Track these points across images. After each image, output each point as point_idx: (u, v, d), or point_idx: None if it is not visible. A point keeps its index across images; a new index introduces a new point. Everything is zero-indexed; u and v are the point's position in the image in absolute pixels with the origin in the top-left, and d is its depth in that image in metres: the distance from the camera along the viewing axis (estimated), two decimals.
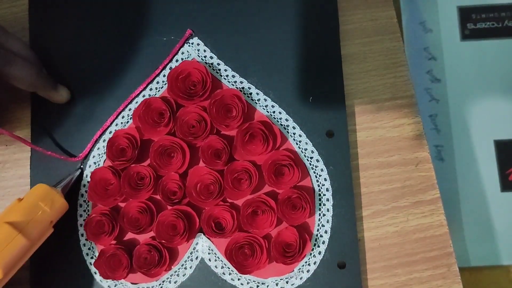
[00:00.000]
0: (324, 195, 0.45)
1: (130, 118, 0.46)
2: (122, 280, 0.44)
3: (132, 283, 0.44)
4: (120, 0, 0.49)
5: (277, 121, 0.46)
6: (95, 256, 0.45)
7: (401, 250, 0.44)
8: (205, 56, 0.47)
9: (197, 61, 0.46)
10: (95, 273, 0.44)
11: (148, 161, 0.45)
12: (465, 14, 0.56)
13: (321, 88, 0.46)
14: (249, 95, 0.46)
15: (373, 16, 0.49)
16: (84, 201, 0.45)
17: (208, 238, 0.44)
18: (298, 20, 0.47)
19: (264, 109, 0.46)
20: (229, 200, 0.45)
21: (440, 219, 0.45)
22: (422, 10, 0.56)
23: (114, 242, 0.44)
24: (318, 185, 0.45)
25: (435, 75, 0.54)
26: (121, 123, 0.47)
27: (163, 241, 0.43)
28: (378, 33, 0.48)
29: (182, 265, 0.44)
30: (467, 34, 0.55)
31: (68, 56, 0.48)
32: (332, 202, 0.44)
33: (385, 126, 0.47)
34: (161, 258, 0.43)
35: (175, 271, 0.44)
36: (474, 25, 0.55)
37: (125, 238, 0.45)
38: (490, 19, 0.55)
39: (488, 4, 0.56)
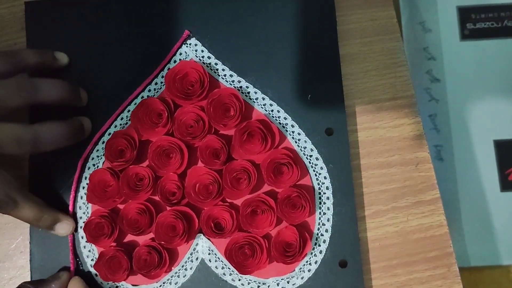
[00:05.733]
0: (324, 193, 0.44)
1: (129, 120, 0.46)
2: (123, 282, 0.44)
3: (132, 285, 0.44)
4: (116, 2, 0.48)
5: (276, 119, 0.46)
6: (95, 258, 0.44)
7: (401, 250, 0.44)
8: (202, 57, 0.47)
9: (194, 61, 0.46)
10: (96, 275, 0.44)
11: (146, 162, 0.45)
12: (465, 14, 0.56)
13: (319, 86, 0.46)
14: (247, 94, 0.46)
15: (373, 16, 0.49)
16: (84, 203, 0.45)
17: (208, 239, 0.44)
18: (296, 19, 0.47)
19: (262, 107, 0.46)
20: (228, 200, 0.44)
21: (440, 219, 0.45)
22: (422, 10, 0.56)
23: (114, 244, 0.44)
24: (318, 184, 0.45)
25: (435, 75, 0.54)
26: (120, 124, 0.46)
27: (163, 242, 0.43)
28: (378, 33, 0.48)
29: (182, 266, 0.44)
30: (467, 34, 0.55)
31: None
32: (332, 201, 0.44)
33: (385, 126, 0.47)
34: (161, 260, 0.43)
35: (176, 272, 0.44)
36: (473, 25, 0.55)
37: (125, 240, 0.45)
38: (490, 19, 0.55)
39: (487, 4, 0.56)
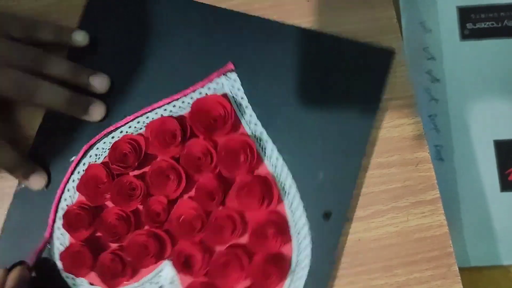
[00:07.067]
0: (302, 269, 0.44)
1: (144, 127, 0.46)
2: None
3: (89, 283, 0.44)
4: (178, 14, 0.48)
5: (281, 182, 0.45)
6: (65, 245, 0.45)
7: (401, 250, 0.44)
8: (236, 95, 0.47)
9: (225, 98, 0.45)
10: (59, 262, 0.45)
11: (138, 172, 0.45)
12: (465, 14, 0.56)
13: (335, 170, 0.45)
14: (263, 148, 0.45)
15: (373, 16, 0.49)
16: (73, 187, 0.45)
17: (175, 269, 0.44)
18: (338, 107, 0.46)
19: (272, 166, 0.45)
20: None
21: (440, 219, 0.45)
22: (422, 10, 0.56)
23: (89, 235, 0.44)
24: (298, 260, 0.44)
25: (435, 75, 0.54)
26: (135, 127, 0.46)
27: (129, 259, 0.43)
28: (378, 33, 0.48)
29: (142, 284, 0.44)
30: (467, 34, 0.55)
31: (111, 51, 0.48)
32: (305, 279, 0.43)
33: (385, 126, 0.47)
34: (123, 271, 0.43)
35: (134, 287, 0.44)
36: (473, 25, 0.55)
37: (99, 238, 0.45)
38: (490, 19, 0.55)
39: (487, 4, 0.56)
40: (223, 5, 0.49)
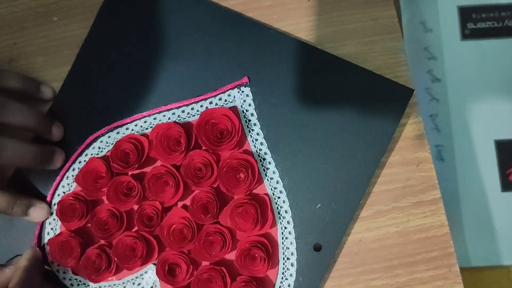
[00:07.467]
0: None
1: (151, 127, 0.46)
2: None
3: (73, 272, 0.45)
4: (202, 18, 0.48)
5: (277, 206, 0.44)
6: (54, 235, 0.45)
7: (402, 251, 0.44)
8: (247, 110, 0.46)
9: (235, 112, 0.45)
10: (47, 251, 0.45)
11: (137, 171, 0.45)
12: (466, 13, 0.56)
13: (333, 205, 0.44)
14: (265, 169, 0.45)
15: (374, 15, 0.49)
16: (73, 176, 0.46)
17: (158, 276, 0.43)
18: (347, 142, 0.45)
19: (271, 189, 0.44)
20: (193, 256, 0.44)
21: (441, 219, 0.45)
22: (422, 10, 0.56)
23: (79, 226, 0.44)
24: (280, 287, 0.43)
25: (435, 75, 0.54)
26: (141, 126, 0.46)
27: (116, 259, 0.43)
28: (378, 33, 0.48)
29: (123, 283, 0.44)
30: (467, 34, 0.55)
31: (128, 49, 0.48)
32: None
33: None
34: (108, 267, 0.43)
35: (115, 285, 0.44)
36: (474, 24, 0.55)
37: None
38: (490, 18, 0.55)
39: (488, 3, 0.56)
40: (223, 4, 0.48)
